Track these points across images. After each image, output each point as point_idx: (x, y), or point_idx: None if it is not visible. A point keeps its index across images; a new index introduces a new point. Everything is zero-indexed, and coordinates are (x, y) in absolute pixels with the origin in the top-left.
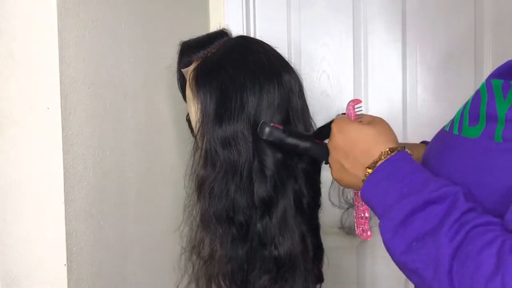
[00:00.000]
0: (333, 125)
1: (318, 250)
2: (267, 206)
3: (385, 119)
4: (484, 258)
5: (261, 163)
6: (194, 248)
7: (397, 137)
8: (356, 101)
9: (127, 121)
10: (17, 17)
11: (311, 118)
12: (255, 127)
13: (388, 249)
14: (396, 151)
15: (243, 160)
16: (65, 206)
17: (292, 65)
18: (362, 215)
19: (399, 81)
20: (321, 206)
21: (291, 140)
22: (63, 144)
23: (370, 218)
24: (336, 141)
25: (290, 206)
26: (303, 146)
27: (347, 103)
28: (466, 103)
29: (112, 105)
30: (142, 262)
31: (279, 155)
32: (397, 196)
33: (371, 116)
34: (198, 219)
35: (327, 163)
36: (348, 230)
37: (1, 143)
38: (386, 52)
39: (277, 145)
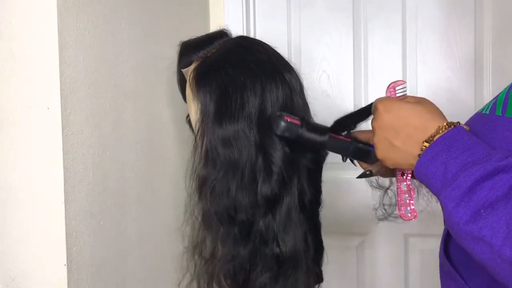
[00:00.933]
0: (378, 105)
1: (318, 249)
2: (271, 204)
3: None
4: None
5: (267, 159)
6: (196, 247)
7: None
8: (399, 83)
9: (127, 121)
10: (17, 17)
11: (312, 118)
12: (261, 124)
13: (451, 219)
14: (453, 126)
15: (245, 159)
16: (65, 206)
17: (292, 65)
18: (406, 195)
19: None
20: (322, 205)
21: (309, 135)
22: (63, 144)
23: (415, 198)
24: (384, 120)
25: (294, 204)
26: (321, 141)
27: (388, 85)
28: (511, 85)
29: (112, 105)
30: (142, 262)
31: (287, 151)
32: (462, 165)
33: (415, 96)
34: (199, 218)
35: (346, 159)
36: (382, 216)
37: (1, 143)
38: (386, 52)
39: (293, 140)
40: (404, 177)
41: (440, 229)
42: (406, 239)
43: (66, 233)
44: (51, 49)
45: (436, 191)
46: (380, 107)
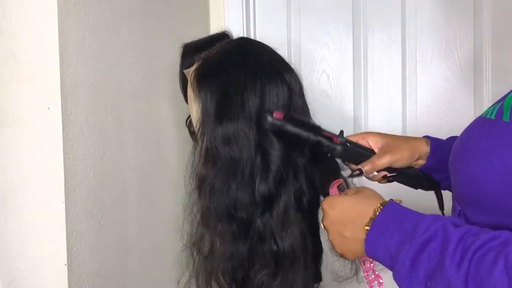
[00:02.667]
0: (323, 205)
1: (317, 250)
2: (268, 202)
3: (384, 118)
4: (495, 278)
5: (265, 158)
6: (195, 244)
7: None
8: (338, 181)
9: (127, 121)
10: (17, 17)
11: (311, 118)
12: (257, 123)
13: None
14: (386, 204)
15: (245, 157)
16: (66, 206)
17: (292, 66)
18: (375, 282)
19: (399, 81)
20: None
21: (291, 128)
22: (63, 144)
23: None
24: (331, 216)
25: (290, 202)
26: (306, 136)
27: (330, 185)
28: None
29: (112, 105)
30: (142, 262)
31: (284, 149)
32: (396, 246)
33: (354, 188)
34: (198, 216)
35: (333, 156)
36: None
37: (2, 143)
38: (386, 52)
39: (279, 134)
40: (368, 265)
41: None
42: None
43: (67, 233)
44: (52, 49)
45: (390, 269)
46: (325, 206)
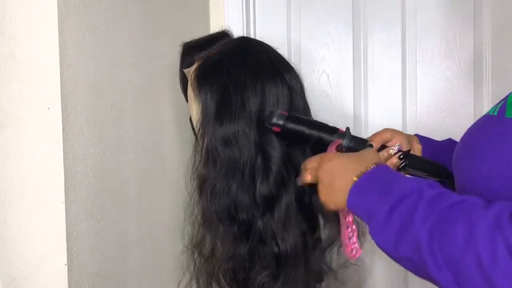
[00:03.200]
0: (324, 156)
1: (317, 250)
2: (269, 203)
3: (384, 118)
4: (456, 232)
5: (265, 159)
6: (196, 246)
7: None
8: (337, 142)
9: (127, 121)
10: (17, 17)
11: (312, 117)
12: (260, 124)
13: (383, 250)
14: (379, 164)
15: (245, 158)
16: (66, 206)
17: (292, 65)
18: (351, 234)
19: (399, 81)
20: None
21: (295, 126)
22: (63, 144)
23: (358, 237)
24: (327, 167)
25: (292, 203)
26: (308, 133)
27: (329, 145)
28: None
29: (112, 105)
30: (142, 262)
31: (285, 149)
32: (376, 202)
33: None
34: (199, 217)
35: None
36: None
37: (2, 143)
38: (386, 52)
39: (284, 133)
40: (346, 220)
41: None
42: None
43: (67, 233)
44: (52, 49)
45: (366, 222)
46: (325, 158)
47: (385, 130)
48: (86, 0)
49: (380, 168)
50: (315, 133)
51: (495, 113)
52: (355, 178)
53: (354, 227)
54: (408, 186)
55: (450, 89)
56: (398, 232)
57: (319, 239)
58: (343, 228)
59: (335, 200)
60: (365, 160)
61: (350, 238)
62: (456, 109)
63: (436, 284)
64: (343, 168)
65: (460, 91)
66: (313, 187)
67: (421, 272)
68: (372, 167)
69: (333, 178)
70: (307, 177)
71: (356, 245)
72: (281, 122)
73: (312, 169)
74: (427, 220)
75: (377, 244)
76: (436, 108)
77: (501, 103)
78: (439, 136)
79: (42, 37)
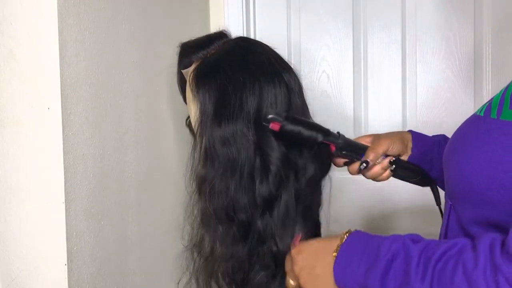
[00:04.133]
0: (292, 253)
1: None
2: (268, 203)
3: (384, 118)
4: (456, 284)
5: (264, 159)
6: (195, 246)
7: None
8: (298, 236)
9: (127, 121)
10: (18, 17)
11: (311, 118)
12: (259, 124)
13: None
14: (350, 232)
15: (243, 158)
16: (65, 206)
17: (292, 66)
18: None
19: (399, 81)
20: (322, 205)
21: (294, 127)
22: (63, 144)
23: None
24: (301, 261)
25: (291, 203)
26: (308, 134)
27: (291, 243)
28: (507, 87)
29: (112, 105)
30: (142, 262)
31: (284, 150)
32: (364, 273)
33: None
34: (199, 218)
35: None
36: None
37: (2, 143)
38: (386, 52)
39: (281, 133)
40: None
41: (437, 228)
42: None
43: (67, 233)
44: (52, 49)
45: None
46: (293, 254)
47: (382, 141)
48: (86, 0)
49: (354, 234)
50: (307, 133)
51: (482, 113)
52: (334, 255)
53: None
54: (391, 247)
55: (450, 89)
56: None
57: None
58: None
59: (325, 285)
60: (335, 236)
61: None
62: (456, 109)
63: None
64: (318, 252)
65: (460, 91)
66: None
67: None
68: (345, 236)
69: (312, 267)
70: (290, 283)
71: None
72: (275, 117)
73: (289, 272)
74: (425, 276)
75: None
76: (436, 108)
77: (487, 103)
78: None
79: (42, 37)
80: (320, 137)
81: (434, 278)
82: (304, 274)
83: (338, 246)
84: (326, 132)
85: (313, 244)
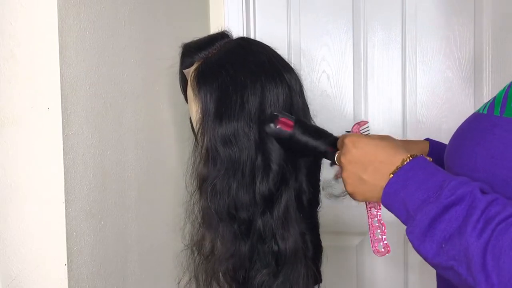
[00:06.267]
0: (346, 140)
1: (317, 249)
2: (269, 202)
3: (384, 118)
4: None
5: (266, 158)
6: (196, 245)
7: (396, 136)
8: (362, 123)
9: (127, 121)
10: (18, 17)
11: (312, 118)
12: (259, 123)
13: (420, 254)
14: (415, 157)
15: (245, 157)
16: (66, 206)
17: (292, 66)
18: (378, 230)
19: (399, 81)
20: (320, 204)
21: (302, 137)
22: (63, 144)
23: (385, 233)
24: (353, 155)
25: (291, 202)
26: (312, 145)
27: (353, 125)
28: (511, 84)
29: (112, 105)
30: (142, 262)
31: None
32: (418, 204)
33: (378, 134)
34: (200, 217)
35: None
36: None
37: (2, 143)
38: (386, 52)
39: (285, 141)
40: (375, 212)
41: None
42: (406, 239)
43: (67, 233)
44: (52, 49)
45: (402, 222)
46: (349, 143)
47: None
48: (86, 0)
49: (419, 160)
50: (312, 141)
51: (485, 111)
52: (391, 174)
53: (382, 221)
54: (457, 190)
55: (450, 89)
56: (444, 241)
57: (318, 239)
58: (370, 221)
59: (364, 194)
60: (396, 150)
61: (378, 232)
62: (456, 109)
63: None
64: (374, 160)
65: (460, 91)
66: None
67: (465, 284)
68: (409, 159)
69: (363, 170)
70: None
71: (385, 240)
72: (278, 131)
73: (339, 156)
74: (482, 233)
75: (414, 248)
76: (436, 108)
77: (490, 101)
78: (439, 137)
79: (42, 37)
80: (324, 148)
81: (492, 238)
82: (350, 169)
83: (397, 168)
84: (331, 142)
85: (374, 146)
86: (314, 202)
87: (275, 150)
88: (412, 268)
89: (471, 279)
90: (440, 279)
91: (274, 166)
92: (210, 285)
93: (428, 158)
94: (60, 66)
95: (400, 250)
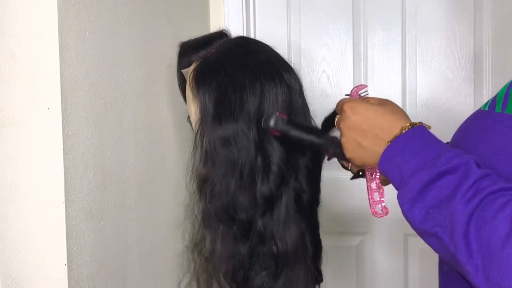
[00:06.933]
0: (345, 106)
1: (317, 249)
2: (269, 203)
3: None
4: (499, 222)
5: (265, 158)
6: (196, 246)
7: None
8: (361, 87)
9: (127, 121)
10: (18, 17)
11: (312, 118)
12: (259, 123)
13: (407, 218)
14: (415, 125)
15: (244, 158)
16: (65, 206)
17: (292, 65)
18: (377, 193)
19: (399, 81)
20: (321, 204)
21: (296, 133)
22: (63, 144)
23: (382, 196)
24: (352, 121)
25: (291, 203)
26: (308, 139)
27: (351, 89)
28: None
29: (112, 105)
30: (142, 262)
31: (285, 150)
32: (412, 170)
33: (378, 98)
34: (199, 217)
35: (337, 156)
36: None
37: (2, 143)
38: (386, 52)
39: (282, 137)
40: (373, 176)
41: None
42: (406, 238)
43: (67, 233)
44: (52, 49)
45: (395, 188)
46: (347, 109)
47: None
48: (86, 0)
49: (418, 129)
50: (305, 136)
51: (486, 108)
52: (388, 142)
53: (380, 185)
54: (453, 160)
55: (450, 89)
56: (433, 207)
57: (318, 239)
58: (369, 184)
59: (362, 159)
60: (396, 117)
61: (376, 195)
62: (456, 109)
63: (460, 269)
64: (373, 126)
65: (460, 91)
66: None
67: (445, 252)
68: (407, 128)
69: (362, 136)
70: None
71: (383, 202)
72: (278, 128)
73: (337, 120)
74: (470, 202)
75: (403, 212)
76: (436, 108)
77: (492, 99)
78: (438, 137)
79: (42, 37)
80: (319, 143)
81: (478, 208)
82: (348, 135)
83: (395, 136)
84: (329, 140)
85: (373, 112)
86: (314, 202)
87: (275, 150)
88: (411, 267)
89: (452, 246)
90: (442, 280)
91: (274, 167)
92: (211, 286)
93: (427, 126)
94: (60, 66)
95: (400, 250)
